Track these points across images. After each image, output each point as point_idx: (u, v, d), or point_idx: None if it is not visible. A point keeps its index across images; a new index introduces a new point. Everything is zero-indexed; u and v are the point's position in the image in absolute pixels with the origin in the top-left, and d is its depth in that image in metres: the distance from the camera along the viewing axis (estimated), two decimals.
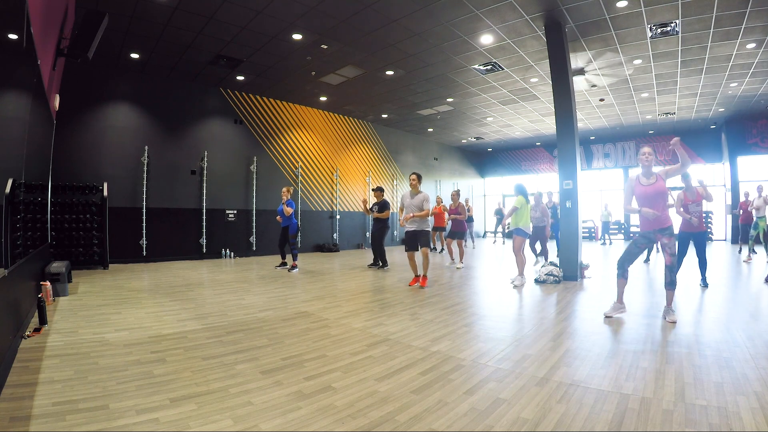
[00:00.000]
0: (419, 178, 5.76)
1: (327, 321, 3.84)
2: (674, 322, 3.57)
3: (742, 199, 10.05)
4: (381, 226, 7.81)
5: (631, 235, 14.46)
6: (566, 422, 1.86)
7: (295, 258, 7.44)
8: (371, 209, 7.87)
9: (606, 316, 3.74)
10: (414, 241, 5.64)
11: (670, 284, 3.67)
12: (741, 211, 9.68)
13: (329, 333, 3.43)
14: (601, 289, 5.49)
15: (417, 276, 5.80)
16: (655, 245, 3.86)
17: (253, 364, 2.66)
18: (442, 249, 11.21)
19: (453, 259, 7.86)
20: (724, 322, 3.62)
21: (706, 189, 5.24)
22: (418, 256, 5.97)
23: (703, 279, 5.34)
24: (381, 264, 7.80)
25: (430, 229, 5.74)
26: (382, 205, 7.80)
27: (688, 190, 5.36)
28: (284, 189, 7.52)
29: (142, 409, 1.98)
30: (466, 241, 13.37)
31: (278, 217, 7.54)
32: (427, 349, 3.00)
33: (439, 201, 10.84)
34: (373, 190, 8.13)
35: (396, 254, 10.70)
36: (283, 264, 7.71)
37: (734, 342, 3.02)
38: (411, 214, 5.52)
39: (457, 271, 7.39)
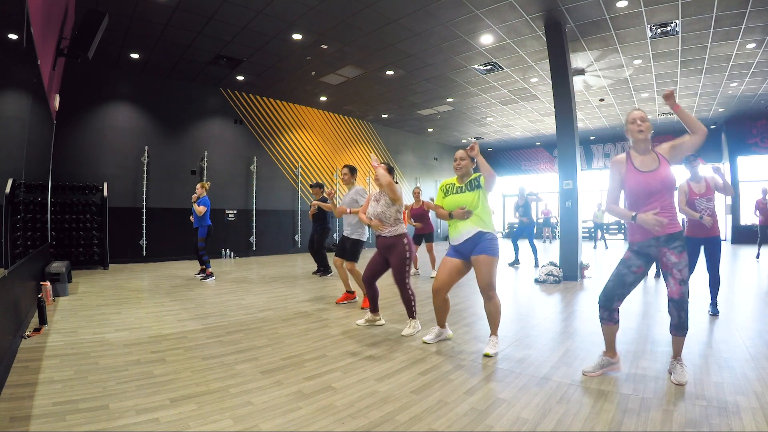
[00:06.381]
0: (352, 171, 4.54)
1: (327, 321, 3.84)
2: (682, 384, 2.25)
3: (759, 196, 8.98)
4: (321, 229, 6.81)
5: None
6: (566, 422, 1.86)
7: (207, 265, 6.42)
8: (313, 205, 6.62)
9: (584, 374, 2.45)
10: (342, 247, 4.55)
11: (678, 328, 2.27)
12: (758, 212, 8.81)
13: (329, 333, 3.43)
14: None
15: (349, 292, 4.73)
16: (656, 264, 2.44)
17: (253, 364, 2.66)
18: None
19: (417, 268, 6.82)
20: (724, 322, 3.62)
21: (724, 178, 3.78)
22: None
23: (713, 304, 3.86)
24: (324, 271, 6.98)
25: (363, 239, 4.52)
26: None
27: (694, 180, 3.86)
28: (198, 185, 6.44)
29: (142, 409, 1.98)
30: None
31: (191, 217, 6.49)
32: (427, 349, 3.00)
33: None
34: (311, 186, 7.00)
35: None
36: (203, 273, 6.48)
37: (734, 342, 3.02)
38: (348, 210, 4.38)
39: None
